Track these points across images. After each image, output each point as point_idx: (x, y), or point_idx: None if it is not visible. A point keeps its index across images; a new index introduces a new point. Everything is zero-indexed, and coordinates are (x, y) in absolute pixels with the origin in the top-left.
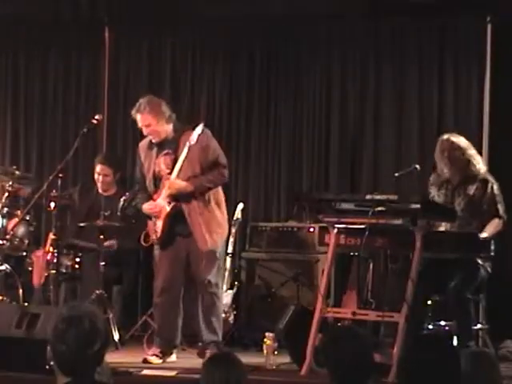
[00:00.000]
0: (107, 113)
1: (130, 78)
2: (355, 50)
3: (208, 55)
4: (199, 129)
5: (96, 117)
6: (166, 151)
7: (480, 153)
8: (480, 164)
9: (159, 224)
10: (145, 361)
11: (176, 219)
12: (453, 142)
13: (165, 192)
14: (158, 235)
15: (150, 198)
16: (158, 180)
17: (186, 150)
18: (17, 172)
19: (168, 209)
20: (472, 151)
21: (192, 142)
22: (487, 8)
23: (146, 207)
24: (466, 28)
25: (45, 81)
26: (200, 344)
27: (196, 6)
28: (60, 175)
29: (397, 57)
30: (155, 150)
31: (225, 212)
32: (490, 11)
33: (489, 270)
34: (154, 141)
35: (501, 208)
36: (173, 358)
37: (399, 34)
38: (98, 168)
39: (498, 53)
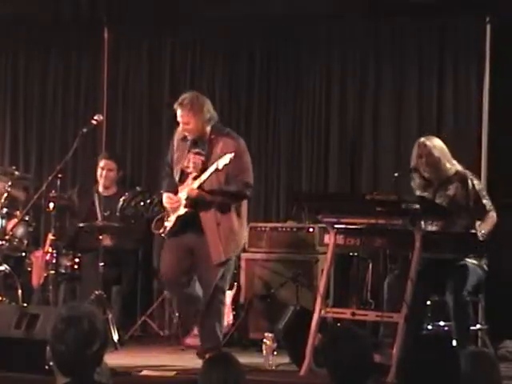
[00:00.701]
0: (106, 113)
1: (130, 78)
2: (355, 50)
3: (208, 55)
4: (227, 158)
5: (95, 117)
6: (197, 150)
7: (480, 152)
8: (456, 163)
9: (171, 218)
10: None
11: (190, 219)
12: (429, 146)
13: (184, 193)
14: (167, 230)
15: (170, 188)
16: (183, 174)
17: (213, 169)
18: (16, 172)
19: (182, 212)
20: (447, 152)
21: (219, 167)
22: (486, 8)
23: (164, 199)
24: (466, 28)
25: (44, 81)
26: (200, 344)
27: (196, 5)
28: (59, 176)
29: (396, 57)
30: (188, 143)
31: (244, 223)
32: (489, 11)
33: (485, 268)
34: (189, 136)
35: (487, 202)
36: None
37: (399, 34)
38: (103, 163)
39: (498, 53)
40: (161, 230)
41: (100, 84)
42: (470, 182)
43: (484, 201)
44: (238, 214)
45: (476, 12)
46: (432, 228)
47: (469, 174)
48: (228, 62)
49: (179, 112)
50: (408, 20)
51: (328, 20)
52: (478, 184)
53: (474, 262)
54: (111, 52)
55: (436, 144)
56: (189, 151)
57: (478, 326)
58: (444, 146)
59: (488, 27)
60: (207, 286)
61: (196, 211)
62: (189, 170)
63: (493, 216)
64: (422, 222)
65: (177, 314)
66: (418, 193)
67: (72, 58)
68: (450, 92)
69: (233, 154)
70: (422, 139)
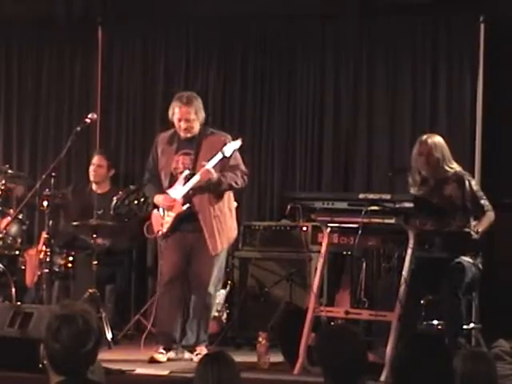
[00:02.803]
0: (100, 112)
1: (123, 78)
2: (349, 50)
3: (201, 55)
4: (237, 144)
5: (89, 116)
6: (186, 150)
7: (473, 153)
8: (455, 164)
9: (168, 219)
10: (152, 359)
11: (186, 217)
12: (430, 145)
13: (182, 188)
14: (165, 229)
15: (160, 190)
16: (172, 177)
17: (218, 157)
18: (9, 171)
19: (184, 208)
20: (447, 152)
21: (226, 154)
22: (480, 7)
23: (160, 199)
24: (459, 28)
25: (38, 80)
26: (191, 340)
27: (190, 5)
28: (53, 174)
29: (390, 57)
30: (175, 146)
31: (234, 218)
32: (482, 11)
33: (480, 267)
34: (184, 135)
35: (485, 202)
36: (171, 354)
37: (392, 34)
38: (94, 159)
39: (491, 52)
40: (158, 233)
41: (94, 83)
42: (467, 182)
43: (482, 201)
44: (230, 209)
45: (469, 11)
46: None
47: (466, 175)
48: (222, 62)
49: (182, 109)
50: (401, 19)
51: (322, 19)
52: (475, 185)
53: (470, 260)
54: (105, 51)
55: (437, 143)
56: (176, 153)
57: (472, 325)
58: (445, 146)
59: (482, 26)
60: (200, 279)
61: (193, 207)
62: (178, 171)
63: (490, 216)
64: (417, 222)
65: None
66: (412, 190)
67: (66, 57)
68: (443, 91)
69: (240, 140)
70: (424, 137)
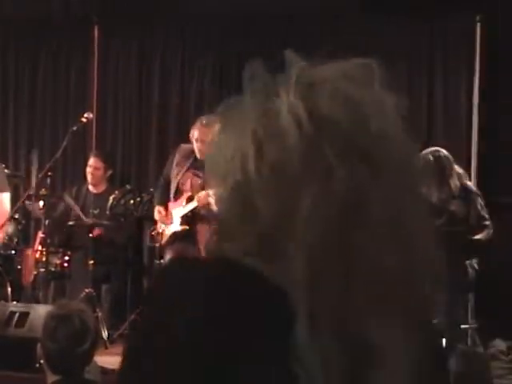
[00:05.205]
0: (96, 111)
1: (120, 77)
2: (348, 50)
3: (198, 54)
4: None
5: (85, 115)
6: (198, 172)
7: (469, 157)
8: (462, 176)
9: (167, 233)
10: None
11: (185, 235)
12: (431, 162)
13: (182, 209)
14: (163, 242)
15: (165, 199)
16: (178, 190)
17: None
18: (6, 170)
19: (178, 229)
20: (453, 165)
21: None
22: (477, 7)
23: (156, 214)
24: (455, 28)
25: (34, 79)
26: None
27: (186, 5)
28: (49, 174)
29: (388, 56)
30: (190, 162)
31: None
32: (479, 10)
33: (475, 266)
34: (200, 157)
35: (486, 221)
36: None
37: (388, 34)
38: (91, 161)
39: (488, 52)
40: (159, 242)
41: (90, 83)
42: (472, 197)
43: (486, 222)
44: None
45: (467, 11)
46: None
47: (473, 192)
48: (218, 62)
49: (199, 130)
50: (399, 19)
51: (321, 20)
52: (480, 201)
53: (466, 260)
54: (101, 51)
55: (440, 158)
56: (188, 169)
57: (468, 325)
58: (449, 159)
59: (478, 26)
60: None
61: (192, 226)
62: (185, 188)
63: (489, 233)
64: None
65: None
66: None
67: (62, 56)
68: (440, 91)
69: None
70: (423, 153)
